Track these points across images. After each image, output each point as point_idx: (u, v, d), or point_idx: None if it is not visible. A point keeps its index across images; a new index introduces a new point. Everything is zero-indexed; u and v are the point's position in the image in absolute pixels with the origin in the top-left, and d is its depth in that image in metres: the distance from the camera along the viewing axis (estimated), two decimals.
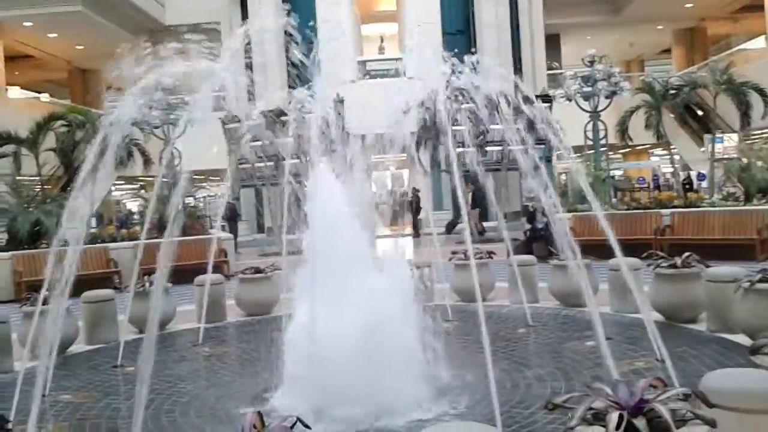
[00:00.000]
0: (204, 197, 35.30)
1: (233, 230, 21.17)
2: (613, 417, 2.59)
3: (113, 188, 29.95)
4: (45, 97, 28.28)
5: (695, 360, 5.87)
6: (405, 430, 4.64)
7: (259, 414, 2.69)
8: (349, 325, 5.15)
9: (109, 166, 7.38)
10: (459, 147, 12.01)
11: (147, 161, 21.15)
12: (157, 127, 19.49)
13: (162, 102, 18.07)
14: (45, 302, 6.44)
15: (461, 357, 6.31)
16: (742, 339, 6.10)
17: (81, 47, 28.49)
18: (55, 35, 26.50)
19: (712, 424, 2.60)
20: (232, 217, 21.95)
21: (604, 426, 2.60)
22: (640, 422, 2.57)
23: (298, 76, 7.52)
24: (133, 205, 34.57)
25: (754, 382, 3.11)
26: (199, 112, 7.45)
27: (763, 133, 22.94)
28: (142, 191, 28.83)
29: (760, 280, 6.03)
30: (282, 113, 14.19)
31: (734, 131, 20.69)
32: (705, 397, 2.80)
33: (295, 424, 2.66)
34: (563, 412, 3.28)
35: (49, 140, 19.16)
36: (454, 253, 10.11)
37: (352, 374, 4.97)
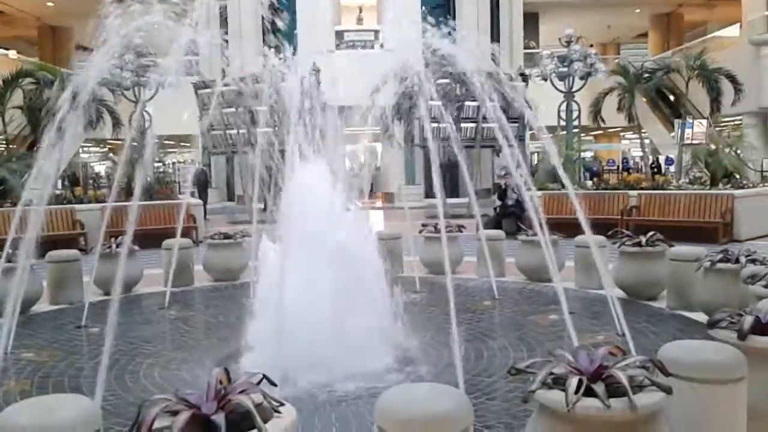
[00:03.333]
0: (173, 163, 34.90)
1: (203, 197, 20.96)
2: (573, 381, 2.66)
3: (81, 150, 29.36)
4: (13, 54, 27.46)
5: (654, 335, 6.02)
6: (369, 395, 4.69)
7: (226, 370, 2.70)
8: (317, 293, 5.19)
9: (78, 126, 7.25)
10: (434, 122, 12.02)
11: (116, 124, 20.74)
12: (127, 89, 19.08)
13: (133, 63, 17.67)
14: (9, 260, 6.36)
15: (427, 327, 6.39)
16: (701, 317, 6.27)
17: (51, 4, 27.71)
18: None
19: (668, 391, 2.68)
20: (202, 184, 21.71)
21: (563, 390, 2.66)
22: (598, 387, 2.64)
23: (275, 45, 7.44)
24: (101, 168, 34.06)
25: (710, 353, 3.21)
26: (171, 75, 7.31)
27: (732, 120, 23.36)
28: (111, 154, 28.38)
29: (721, 260, 6.19)
30: (256, 80, 13.99)
31: (704, 117, 21.00)
32: (662, 366, 2.88)
33: (261, 381, 2.68)
34: (525, 380, 3.35)
35: (16, 98, 18.68)
36: (424, 225, 10.18)
37: (319, 341, 5.01)
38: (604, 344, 3.36)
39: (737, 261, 6.09)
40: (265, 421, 2.44)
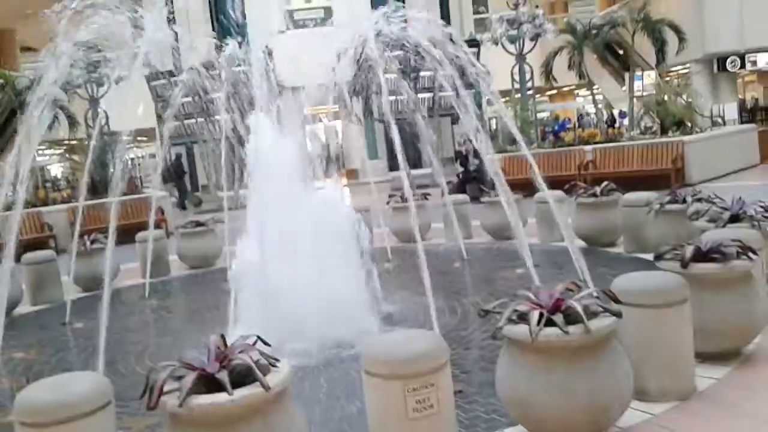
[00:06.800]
0: (132, 158, 34.46)
1: (182, 187, 20.99)
2: (534, 314, 2.99)
3: (36, 153, 28.81)
4: None
5: (612, 278, 6.31)
6: (353, 358, 4.96)
7: (222, 336, 2.96)
8: (298, 267, 5.44)
9: (38, 130, 7.34)
10: (392, 95, 12.24)
11: (73, 123, 20.46)
12: (79, 87, 18.84)
13: (84, 60, 17.45)
14: None
15: (403, 291, 6.69)
16: None
17: None
18: None
19: (618, 314, 3.03)
20: (178, 174, 21.70)
21: (527, 324, 2.99)
22: (557, 318, 2.97)
23: (222, 27, 7.56)
24: (57, 170, 33.54)
25: (654, 282, 3.57)
26: (123, 69, 7.40)
27: (680, 70, 23.98)
28: (69, 155, 27.94)
29: (669, 202, 6.60)
30: (211, 66, 14.00)
31: (652, 68, 21.55)
32: (613, 295, 3.23)
33: (255, 342, 2.94)
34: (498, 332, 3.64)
35: None
36: (391, 196, 10.46)
37: (301, 312, 5.26)
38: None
39: (684, 201, 6.50)
40: (265, 375, 2.71)
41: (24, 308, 8.07)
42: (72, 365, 5.79)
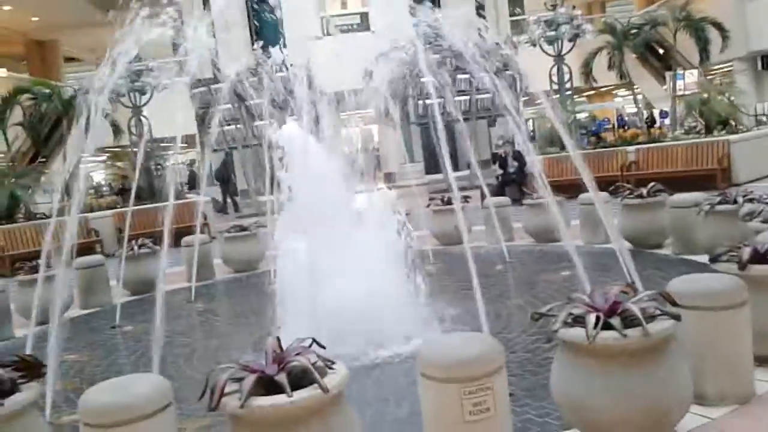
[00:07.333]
0: (173, 164, 35.02)
1: (230, 191, 21.39)
2: (591, 318, 2.95)
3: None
4: (3, 72, 27.59)
5: (663, 280, 6.22)
6: (400, 359, 4.99)
7: (278, 339, 2.99)
8: (343, 271, 5.47)
9: (84, 138, 7.56)
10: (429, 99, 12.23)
11: (117, 131, 20.92)
12: (123, 96, 19.26)
13: (128, 69, 17.84)
14: (36, 271, 6.70)
15: (446, 294, 6.68)
16: (705, 258, 6.52)
17: (36, 19, 27.77)
18: (9, 8, 25.79)
19: (677, 317, 2.98)
20: (224, 179, 22.09)
21: (583, 327, 2.96)
22: (615, 320, 2.93)
23: (260, 34, 7.68)
24: (99, 177, 34.24)
25: (712, 284, 3.50)
26: (165, 78, 7.55)
27: (722, 68, 23.47)
28: (112, 162, 28.58)
29: (719, 203, 6.46)
30: (252, 74, 14.20)
31: (694, 67, 21.13)
32: (670, 297, 3.17)
33: (311, 344, 2.97)
34: (543, 333, 3.62)
35: (15, 115, 18.89)
36: (431, 199, 10.45)
37: (347, 315, 5.29)
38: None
39: (735, 202, 6.36)
40: (322, 377, 2.73)
41: (74, 311, 8.27)
42: (123, 367, 5.92)
